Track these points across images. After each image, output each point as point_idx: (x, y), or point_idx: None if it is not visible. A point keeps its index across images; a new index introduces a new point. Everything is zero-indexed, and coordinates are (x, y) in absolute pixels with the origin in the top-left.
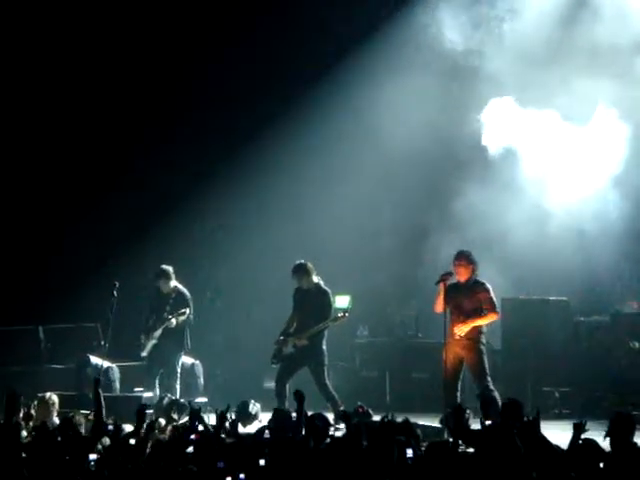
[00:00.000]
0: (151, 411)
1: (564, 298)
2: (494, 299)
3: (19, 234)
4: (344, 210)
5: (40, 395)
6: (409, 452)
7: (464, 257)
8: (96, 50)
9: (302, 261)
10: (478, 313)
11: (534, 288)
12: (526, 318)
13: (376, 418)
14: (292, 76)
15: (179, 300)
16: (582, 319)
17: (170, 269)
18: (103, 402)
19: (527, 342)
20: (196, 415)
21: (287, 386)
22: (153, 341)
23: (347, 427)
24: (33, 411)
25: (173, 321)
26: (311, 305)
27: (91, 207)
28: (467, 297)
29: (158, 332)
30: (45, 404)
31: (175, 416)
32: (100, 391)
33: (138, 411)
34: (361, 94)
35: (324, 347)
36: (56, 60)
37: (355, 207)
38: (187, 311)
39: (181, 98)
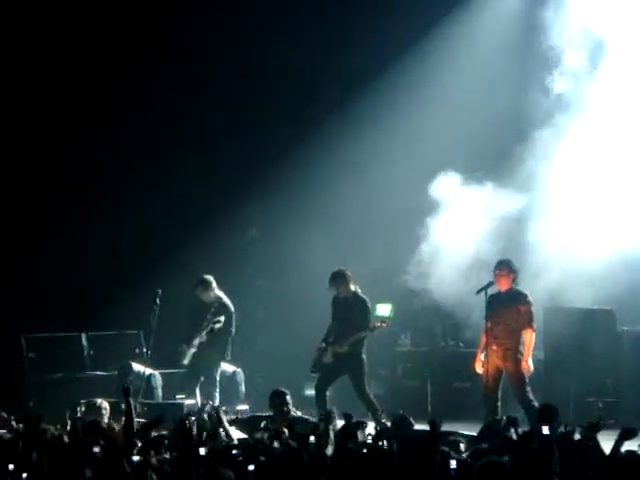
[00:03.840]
0: (193, 418)
1: (608, 307)
2: (534, 313)
3: (63, 242)
4: (384, 221)
5: (90, 400)
6: (452, 463)
7: (505, 266)
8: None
9: (340, 268)
10: (518, 324)
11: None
12: (569, 327)
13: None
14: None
15: (221, 311)
16: (626, 329)
17: (210, 278)
18: (134, 411)
19: (570, 352)
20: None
21: (327, 394)
22: (193, 349)
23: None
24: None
25: (204, 335)
26: (350, 313)
27: (135, 215)
28: (508, 308)
29: (196, 341)
30: (96, 409)
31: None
32: (131, 400)
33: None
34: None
35: (364, 355)
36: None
37: (398, 218)
38: (222, 319)
39: (223, 107)
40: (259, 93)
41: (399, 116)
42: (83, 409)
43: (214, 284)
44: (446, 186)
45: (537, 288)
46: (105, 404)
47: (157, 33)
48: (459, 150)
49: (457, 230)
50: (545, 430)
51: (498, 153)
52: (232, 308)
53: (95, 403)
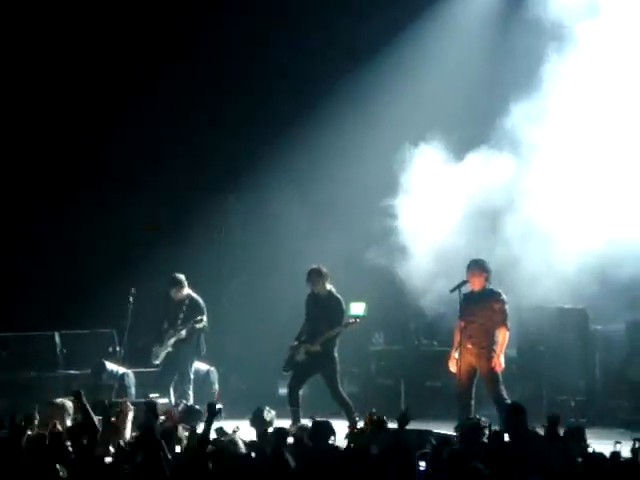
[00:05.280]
0: (164, 417)
1: (580, 307)
2: (507, 312)
3: (37, 239)
4: (359, 220)
5: (53, 400)
6: (422, 465)
7: (477, 266)
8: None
9: (317, 266)
10: (492, 323)
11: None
12: (542, 326)
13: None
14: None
15: (193, 307)
16: (598, 328)
17: (182, 277)
18: (91, 412)
19: (543, 350)
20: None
21: (300, 393)
22: (168, 349)
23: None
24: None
25: (183, 333)
26: (323, 311)
27: (108, 212)
28: (482, 307)
29: (171, 341)
30: (58, 409)
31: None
32: (85, 402)
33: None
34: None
35: (336, 354)
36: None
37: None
38: (204, 318)
39: (199, 101)
40: (241, 93)
41: (382, 98)
42: (48, 409)
43: (185, 282)
44: (423, 164)
45: (511, 287)
46: (68, 404)
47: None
48: (439, 127)
49: (431, 218)
50: (506, 438)
51: (478, 129)
52: (203, 304)
53: (57, 403)
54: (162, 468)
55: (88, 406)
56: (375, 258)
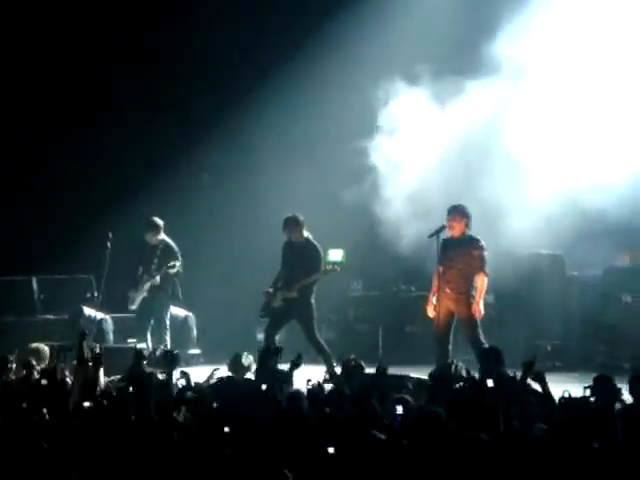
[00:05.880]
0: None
1: (558, 252)
2: (486, 258)
3: (14, 184)
4: (336, 163)
5: (29, 346)
6: (399, 409)
7: (457, 212)
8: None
9: (294, 214)
10: (471, 269)
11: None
12: (519, 272)
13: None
14: None
15: (166, 253)
16: (575, 273)
17: (160, 222)
18: (87, 353)
19: (520, 296)
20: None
21: (276, 339)
22: (143, 294)
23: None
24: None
25: (157, 279)
26: (300, 258)
27: (86, 158)
28: (461, 252)
29: (146, 286)
30: (33, 354)
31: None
32: (85, 344)
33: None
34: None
35: (313, 300)
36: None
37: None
38: (177, 264)
39: (167, 50)
40: (220, 31)
41: (362, 34)
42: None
43: (162, 227)
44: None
45: (490, 232)
46: (45, 349)
47: None
48: (420, 62)
49: (411, 158)
50: (490, 383)
51: (461, 63)
52: (177, 249)
53: (32, 348)
54: (150, 415)
55: (87, 350)
56: (353, 201)
